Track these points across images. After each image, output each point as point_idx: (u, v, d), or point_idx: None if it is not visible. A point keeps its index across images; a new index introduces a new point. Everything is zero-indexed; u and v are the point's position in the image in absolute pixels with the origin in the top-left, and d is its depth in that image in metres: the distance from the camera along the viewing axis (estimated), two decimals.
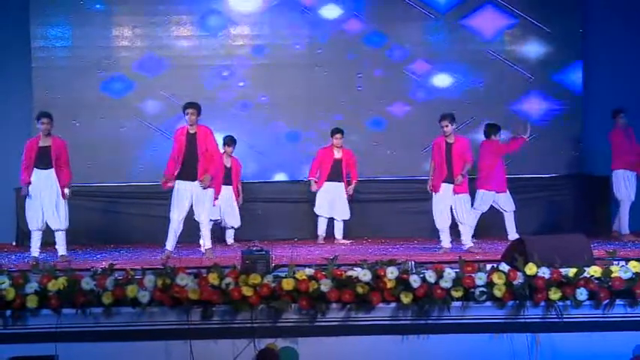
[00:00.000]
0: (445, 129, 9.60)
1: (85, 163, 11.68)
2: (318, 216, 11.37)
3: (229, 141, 11.18)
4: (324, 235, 11.32)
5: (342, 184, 11.26)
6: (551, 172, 12.37)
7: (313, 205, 11.39)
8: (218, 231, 11.09)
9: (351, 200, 11.51)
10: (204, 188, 9.25)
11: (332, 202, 11.28)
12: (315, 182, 11.27)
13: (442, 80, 12.45)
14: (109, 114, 12.10)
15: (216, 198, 10.21)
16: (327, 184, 11.26)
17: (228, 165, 11.14)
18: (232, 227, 11.31)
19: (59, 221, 9.39)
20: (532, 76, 12.38)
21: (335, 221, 11.36)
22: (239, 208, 11.32)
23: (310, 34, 12.36)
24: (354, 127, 12.13)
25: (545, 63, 12.40)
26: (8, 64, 11.97)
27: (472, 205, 10.19)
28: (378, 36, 12.40)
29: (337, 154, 11.29)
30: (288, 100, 12.22)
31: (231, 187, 11.13)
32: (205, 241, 9.45)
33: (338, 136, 11.24)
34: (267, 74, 12.26)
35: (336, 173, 11.26)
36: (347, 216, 11.34)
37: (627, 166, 10.86)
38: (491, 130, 10.72)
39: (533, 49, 12.44)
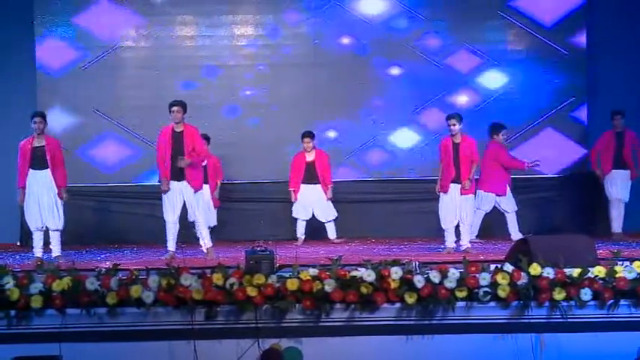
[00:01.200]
0: (452, 127, 9.57)
1: (90, 163, 11.73)
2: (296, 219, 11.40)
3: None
4: (302, 237, 11.32)
5: (318, 186, 11.27)
6: (553, 172, 12.36)
7: None
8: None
9: (356, 200, 11.54)
10: (179, 166, 9.11)
11: (311, 204, 11.29)
12: (294, 192, 11.29)
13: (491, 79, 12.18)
14: (115, 114, 12.13)
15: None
16: (303, 188, 11.29)
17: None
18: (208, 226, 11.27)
19: (57, 221, 9.36)
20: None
21: (324, 223, 11.37)
22: (218, 206, 11.28)
23: (317, 19, 12.20)
24: (361, 128, 12.17)
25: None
26: (12, 65, 11.98)
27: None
28: (407, 19, 12.14)
29: (309, 157, 11.32)
30: (293, 101, 12.20)
31: (207, 185, 10.91)
32: (205, 241, 9.42)
33: (307, 140, 11.26)
34: (271, 74, 12.26)
35: (310, 176, 11.28)
36: (332, 216, 11.34)
37: (615, 167, 11.10)
38: (493, 129, 10.76)
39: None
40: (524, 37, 12.18)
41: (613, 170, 11.12)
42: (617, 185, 11.13)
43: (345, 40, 12.22)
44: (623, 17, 12.15)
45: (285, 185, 11.79)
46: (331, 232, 11.39)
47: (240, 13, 12.28)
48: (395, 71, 12.17)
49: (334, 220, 11.38)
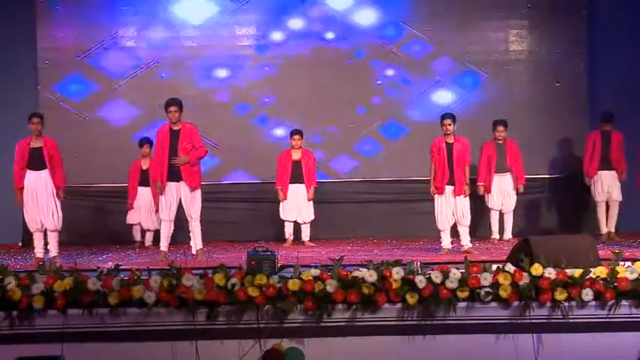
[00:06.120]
0: (448, 127, 9.57)
1: (90, 164, 11.74)
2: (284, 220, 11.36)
3: (145, 142, 11.09)
4: (291, 238, 11.26)
5: (303, 186, 11.21)
6: (554, 173, 12.37)
7: None
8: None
9: (358, 201, 11.58)
10: (175, 164, 8.98)
11: (297, 205, 11.23)
12: (282, 190, 11.21)
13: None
14: (115, 114, 12.14)
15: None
16: (290, 187, 11.22)
17: (145, 167, 11.02)
18: (148, 229, 11.28)
19: (56, 222, 9.35)
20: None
21: (301, 224, 11.31)
22: None
23: (318, 29, 12.32)
24: (360, 129, 12.21)
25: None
26: (15, 64, 12.01)
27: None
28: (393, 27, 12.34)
29: (296, 156, 11.24)
30: (294, 101, 12.22)
31: (149, 188, 10.93)
32: (196, 242, 9.33)
33: (296, 137, 11.20)
34: (272, 74, 12.27)
35: (296, 175, 11.20)
36: (310, 218, 11.28)
37: (601, 168, 11.11)
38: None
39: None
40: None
41: (599, 171, 11.10)
42: (603, 186, 11.09)
43: (345, 41, 12.32)
44: (627, 22, 12.18)
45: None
46: (306, 234, 11.31)
47: (243, 14, 12.31)
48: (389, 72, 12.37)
49: (310, 222, 11.32)
